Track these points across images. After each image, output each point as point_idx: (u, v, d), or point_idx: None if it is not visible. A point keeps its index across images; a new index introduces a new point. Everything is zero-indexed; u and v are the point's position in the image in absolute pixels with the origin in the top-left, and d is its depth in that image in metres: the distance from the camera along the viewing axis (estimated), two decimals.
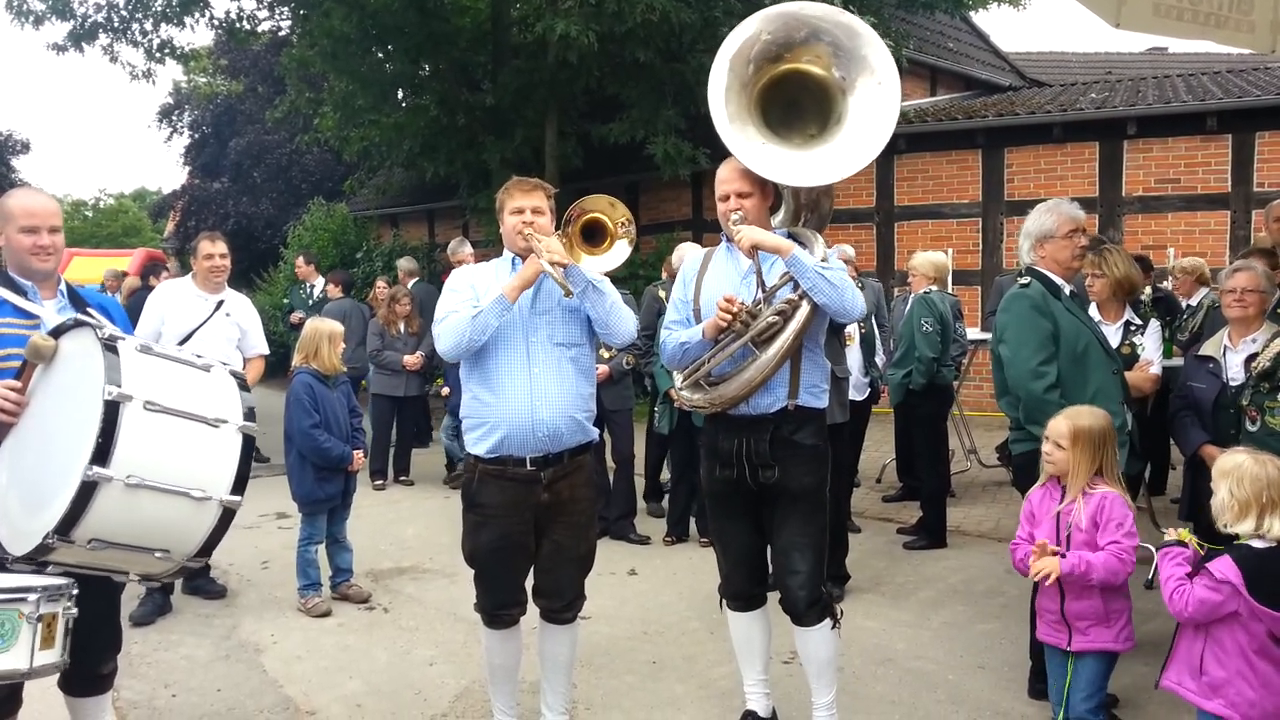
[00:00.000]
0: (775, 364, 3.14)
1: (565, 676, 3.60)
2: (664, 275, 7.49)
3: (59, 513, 2.48)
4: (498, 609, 3.44)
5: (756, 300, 3.21)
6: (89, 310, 3.11)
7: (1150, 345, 4.55)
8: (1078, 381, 3.66)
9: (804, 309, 3.13)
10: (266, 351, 5.57)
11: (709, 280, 3.44)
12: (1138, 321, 4.60)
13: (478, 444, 3.33)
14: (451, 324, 3.26)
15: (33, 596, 2.48)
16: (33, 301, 3.02)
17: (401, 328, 8.43)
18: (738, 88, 3.36)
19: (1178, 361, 6.09)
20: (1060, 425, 3.27)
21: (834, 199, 3.80)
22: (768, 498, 3.34)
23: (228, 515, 2.76)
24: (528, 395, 3.27)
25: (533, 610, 3.53)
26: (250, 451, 2.84)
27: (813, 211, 3.63)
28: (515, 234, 3.35)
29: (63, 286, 3.16)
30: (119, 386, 2.54)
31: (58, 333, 2.81)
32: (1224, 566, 2.66)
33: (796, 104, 3.43)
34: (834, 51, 3.32)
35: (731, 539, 3.51)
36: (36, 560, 2.59)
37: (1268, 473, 2.72)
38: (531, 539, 3.38)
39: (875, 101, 3.30)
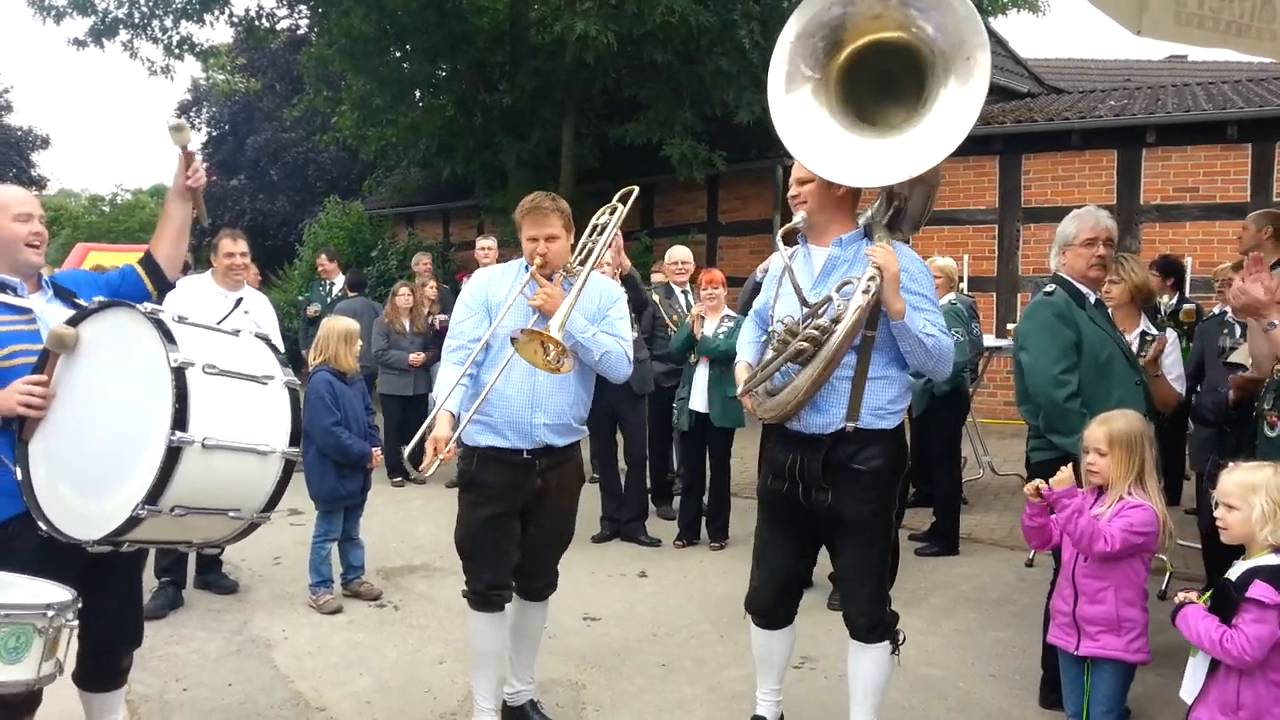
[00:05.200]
0: (809, 391, 3.02)
1: (534, 649, 3.80)
2: (661, 278, 7.44)
3: (145, 483, 2.53)
4: (489, 589, 3.50)
5: (806, 316, 3.07)
6: (76, 298, 3.08)
7: (1169, 357, 4.51)
8: (1100, 391, 3.63)
9: (836, 336, 2.94)
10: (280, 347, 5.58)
11: (787, 286, 3.24)
12: (1154, 332, 4.56)
13: (477, 436, 3.48)
14: (442, 376, 3.54)
15: (50, 612, 2.49)
16: (21, 296, 2.96)
17: (406, 326, 8.44)
18: (802, 66, 3.11)
19: None
20: (1097, 432, 3.20)
21: (933, 194, 3.41)
22: (823, 519, 3.22)
23: (289, 467, 2.86)
24: (528, 402, 3.44)
25: None
26: (299, 403, 2.93)
27: (905, 201, 3.27)
28: (530, 257, 3.49)
29: (46, 277, 3.11)
30: (180, 353, 2.60)
31: (75, 320, 2.82)
32: (1264, 592, 2.53)
33: (887, 77, 3.12)
34: (941, 25, 2.97)
35: (769, 552, 3.39)
36: (119, 539, 2.62)
37: None
38: (518, 523, 3.52)
39: (965, 81, 2.97)
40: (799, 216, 3.25)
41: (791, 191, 3.31)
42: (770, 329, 3.26)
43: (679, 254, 7.05)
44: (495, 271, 3.67)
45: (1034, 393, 3.72)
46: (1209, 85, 13.25)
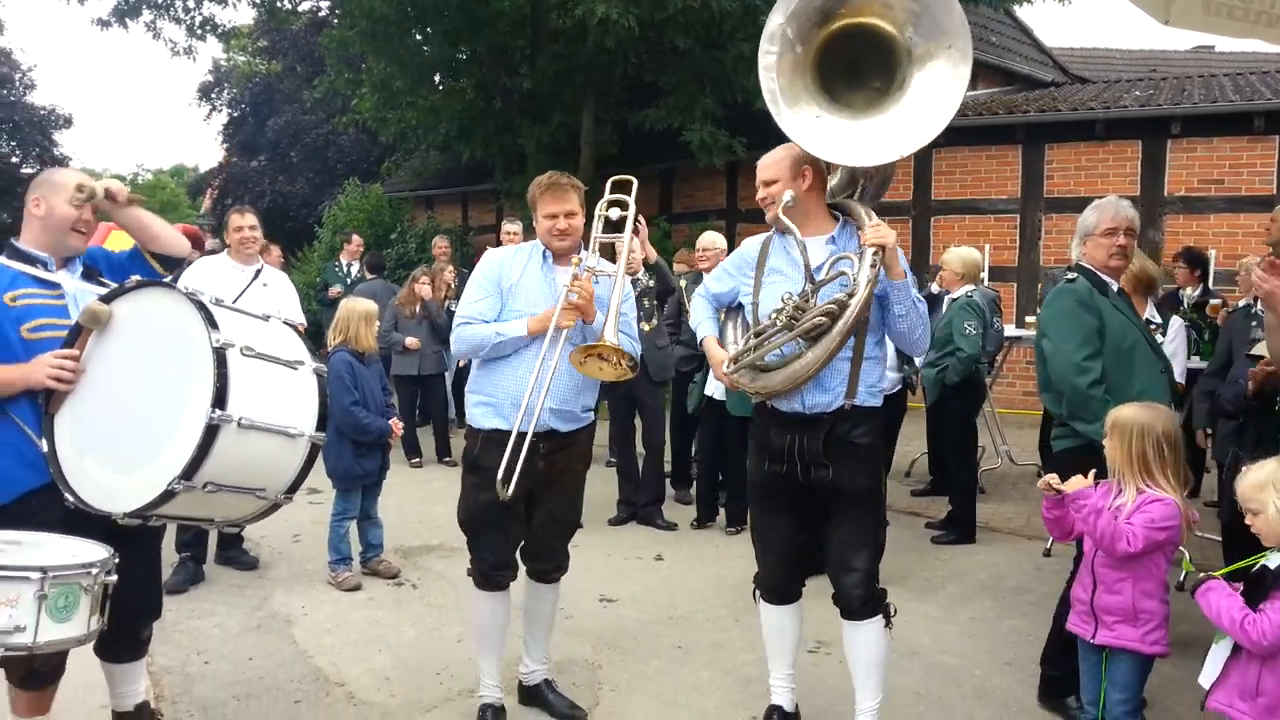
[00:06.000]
0: (820, 363, 3.06)
1: (547, 630, 3.81)
2: (683, 267, 7.41)
3: (182, 458, 2.59)
4: (494, 569, 3.54)
5: (805, 293, 3.13)
6: (100, 275, 3.13)
7: (1171, 344, 4.51)
8: (1123, 378, 3.62)
9: (852, 308, 3.02)
10: (303, 321, 5.61)
11: (770, 275, 3.33)
12: (1158, 320, 4.55)
13: (482, 419, 3.49)
14: (473, 335, 3.46)
15: (95, 570, 2.57)
16: (50, 271, 3.01)
17: (417, 309, 8.50)
18: (791, 57, 3.21)
19: (1197, 364, 6.03)
20: (1108, 416, 3.23)
21: (889, 180, 3.61)
22: (819, 494, 3.30)
23: (315, 451, 2.94)
24: (537, 387, 3.35)
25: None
26: (325, 390, 2.99)
27: (871, 178, 3.43)
28: (549, 235, 3.50)
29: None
30: (221, 334, 2.65)
31: (109, 298, 2.86)
32: None
33: (859, 62, 3.24)
34: (911, 6, 3.12)
35: (774, 534, 3.46)
36: (150, 513, 2.68)
37: None
38: (523, 505, 3.50)
39: (943, 70, 3.11)
40: (788, 196, 3.23)
41: (760, 194, 3.37)
42: (770, 309, 3.23)
43: (711, 240, 6.71)
44: (507, 253, 3.64)
45: (1056, 380, 3.71)
46: (1236, 76, 13.10)
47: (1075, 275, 3.80)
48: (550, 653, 3.89)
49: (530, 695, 3.79)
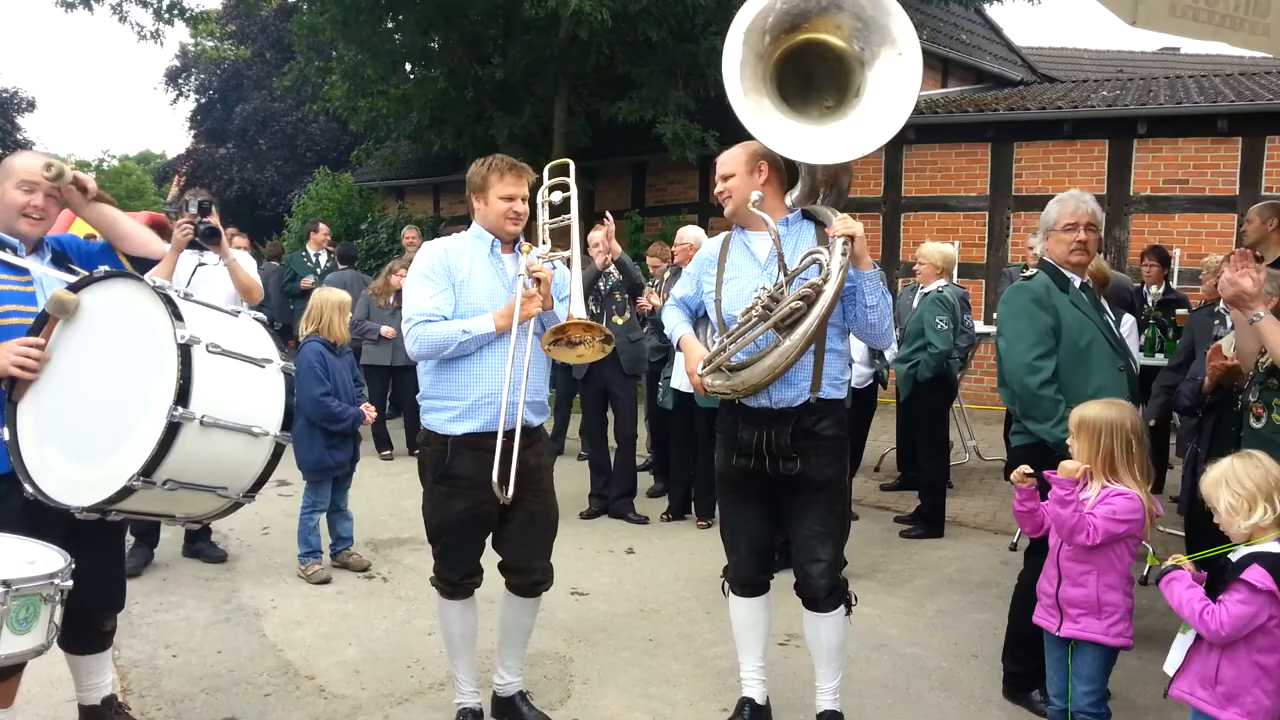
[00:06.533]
0: (799, 350, 3.08)
1: (524, 643, 3.68)
2: (656, 261, 7.39)
3: (142, 455, 2.55)
4: (464, 578, 3.47)
5: (779, 284, 3.15)
6: (71, 263, 3.10)
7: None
8: (1078, 377, 3.62)
9: (828, 293, 3.06)
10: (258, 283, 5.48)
11: (731, 272, 3.39)
12: (1111, 316, 4.61)
13: (451, 424, 3.32)
14: (436, 335, 3.26)
15: (56, 580, 2.52)
16: (20, 256, 2.97)
17: (391, 300, 8.44)
18: (753, 60, 3.27)
19: (1160, 361, 6.14)
20: (1072, 417, 3.26)
21: (853, 175, 3.70)
22: (785, 486, 3.33)
23: (278, 450, 2.90)
24: (509, 382, 3.25)
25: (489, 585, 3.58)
26: (292, 389, 2.96)
27: (831, 188, 3.52)
28: (504, 218, 3.37)
29: (47, 240, 3.12)
30: (186, 330, 2.61)
31: (76, 287, 2.83)
32: (1259, 576, 2.59)
33: (811, 77, 3.35)
34: (855, 21, 3.22)
35: (743, 527, 3.49)
36: (109, 508, 2.64)
37: (1257, 464, 2.74)
38: (496, 511, 3.36)
39: (896, 74, 3.20)
40: (755, 195, 3.24)
41: (717, 188, 3.42)
42: (732, 306, 3.29)
43: (691, 235, 6.68)
44: (449, 244, 3.43)
45: (1009, 379, 3.74)
46: (1201, 78, 13.32)
47: (1034, 272, 3.83)
48: (523, 665, 3.77)
49: (504, 708, 3.65)
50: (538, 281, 3.27)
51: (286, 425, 2.91)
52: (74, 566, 2.61)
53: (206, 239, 4.96)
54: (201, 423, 2.62)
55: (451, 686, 3.87)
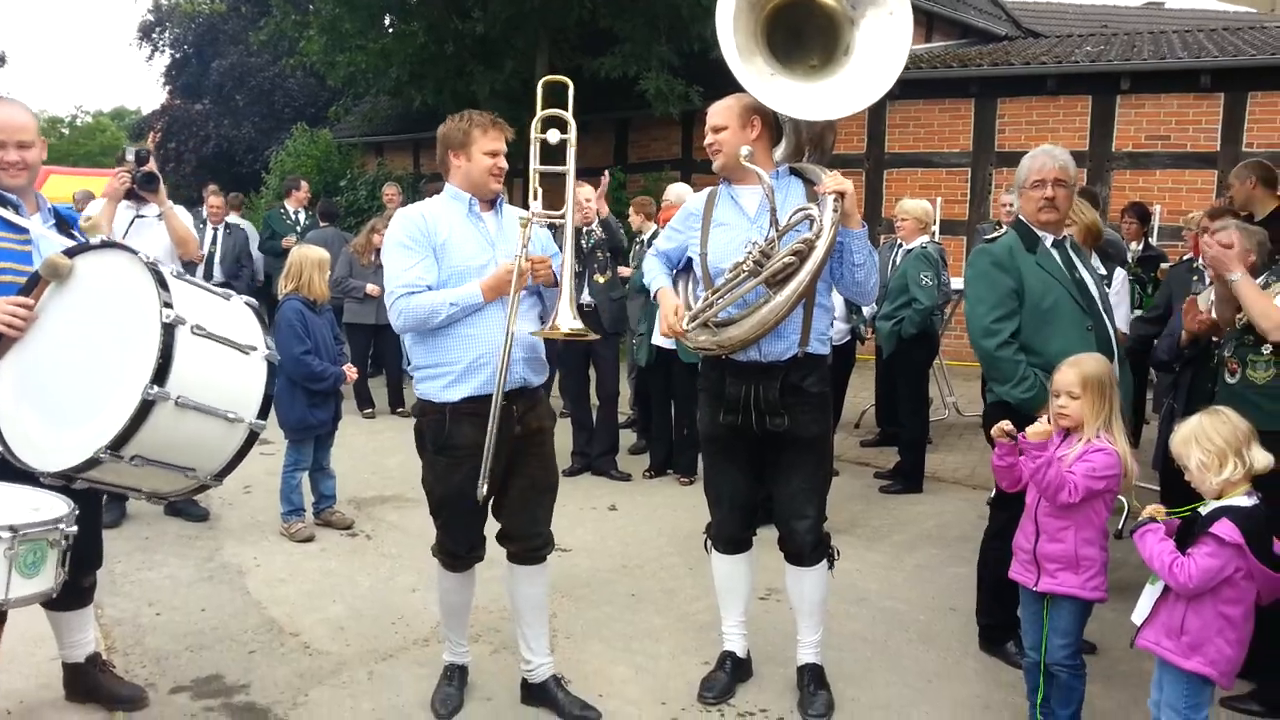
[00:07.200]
0: (789, 305, 3.05)
1: (544, 616, 3.49)
2: (639, 219, 7.32)
3: (114, 429, 2.55)
4: (468, 551, 3.36)
5: (770, 239, 3.11)
6: (74, 231, 3.13)
7: (1115, 294, 4.58)
8: (1039, 339, 3.59)
9: (820, 249, 3.03)
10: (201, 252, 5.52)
11: (718, 226, 3.34)
12: (1103, 271, 4.61)
13: (448, 390, 3.17)
14: (422, 306, 3.11)
15: (61, 525, 2.57)
16: (21, 215, 2.99)
17: (373, 258, 8.34)
18: (746, 11, 3.27)
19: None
20: (1069, 375, 3.20)
21: (836, 134, 3.68)
22: (771, 443, 3.33)
23: (252, 438, 2.88)
24: (503, 342, 3.12)
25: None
26: (274, 378, 2.95)
27: (815, 147, 3.50)
28: (487, 175, 3.23)
29: (47, 204, 3.16)
30: (174, 310, 2.60)
31: (72, 252, 2.82)
32: (1227, 530, 2.63)
33: (800, 34, 3.33)
34: None
35: (728, 484, 3.48)
36: (74, 476, 2.64)
37: (1225, 420, 2.77)
38: (498, 480, 3.23)
39: (886, 33, 3.20)
40: (745, 150, 3.19)
41: (707, 140, 3.38)
42: (719, 260, 3.27)
43: (678, 194, 6.61)
44: (426, 209, 3.25)
45: (971, 341, 3.75)
46: (1185, 34, 13.26)
47: (1001, 233, 3.82)
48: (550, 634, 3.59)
49: (535, 694, 3.44)
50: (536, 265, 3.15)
51: (263, 414, 2.89)
52: (78, 512, 2.65)
53: (145, 185, 5.07)
54: (177, 403, 2.61)
55: (436, 643, 3.92)
